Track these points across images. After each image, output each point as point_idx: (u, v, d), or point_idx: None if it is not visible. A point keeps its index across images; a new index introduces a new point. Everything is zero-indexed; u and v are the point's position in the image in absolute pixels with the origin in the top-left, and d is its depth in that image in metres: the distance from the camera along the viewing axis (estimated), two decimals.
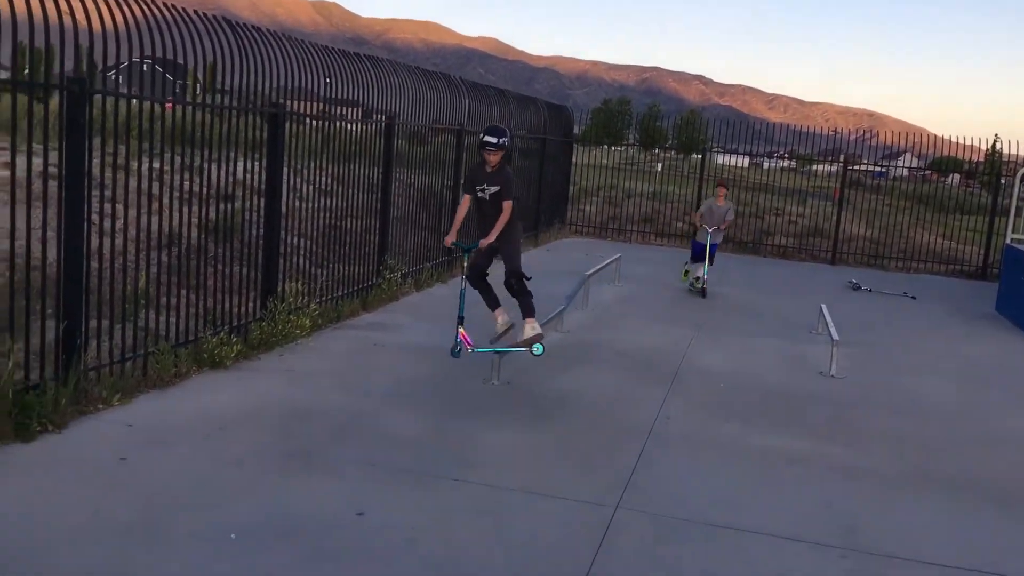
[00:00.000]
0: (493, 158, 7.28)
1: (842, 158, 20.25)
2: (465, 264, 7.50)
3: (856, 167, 20.63)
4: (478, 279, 7.56)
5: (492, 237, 7.25)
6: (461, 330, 7.24)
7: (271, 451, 5.59)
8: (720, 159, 24.52)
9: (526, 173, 16.88)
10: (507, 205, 7.33)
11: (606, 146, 30.00)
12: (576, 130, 22.10)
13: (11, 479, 4.83)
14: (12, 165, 5.51)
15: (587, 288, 10.94)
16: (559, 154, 19.46)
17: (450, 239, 7.49)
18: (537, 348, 7.43)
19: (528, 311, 7.45)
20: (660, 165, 29.88)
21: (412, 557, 4.34)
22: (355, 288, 10.07)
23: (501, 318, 7.68)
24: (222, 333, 7.44)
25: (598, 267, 12.00)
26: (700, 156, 20.44)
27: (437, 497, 5.09)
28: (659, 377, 8.06)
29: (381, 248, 10.85)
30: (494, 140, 7.27)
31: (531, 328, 7.40)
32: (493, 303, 7.73)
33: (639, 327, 10.31)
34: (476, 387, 7.23)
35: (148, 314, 6.89)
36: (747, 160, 25.19)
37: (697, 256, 13.06)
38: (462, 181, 8.06)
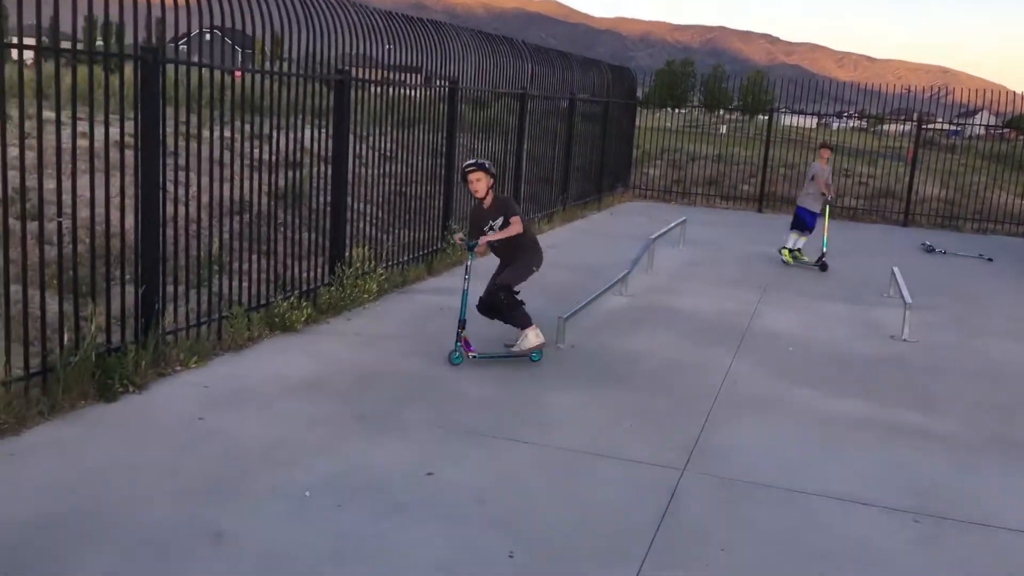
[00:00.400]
0: (479, 185, 6.78)
1: (915, 117, 19.63)
2: (469, 263, 7.11)
3: (930, 126, 19.97)
4: (487, 310, 7.03)
5: (492, 237, 6.78)
6: (463, 334, 6.80)
7: (341, 412, 5.71)
8: (787, 120, 23.96)
9: (589, 137, 16.74)
10: (515, 219, 6.75)
11: (669, 109, 29.53)
12: (639, 93, 21.80)
13: (96, 437, 5.03)
14: (91, 136, 5.67)
15: (651, 252, 10.86)
16: (622, 117, 19.24)
17: (460, 235, 7.15)
18: (535, 355, 7.00)
19: (525, 321, 6.90)
20: (724, 127, 29.34)
21: (481, 516, 4.41)
22: (420, 253, 10.16)
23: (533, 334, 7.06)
24: (292, 298, 7.59)
25: (662, 231, 11.88)
26: (767, 117, 20.00)
27: (505, 458, 5.15)
28: (726, 340, 7.99)
29: (445, 213, 10.91)
30: (472, 161, 6.87)
31: (535, 335, 6.87)
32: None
33: (705, 291, 10.21)
34: (543, 350, 7.26)
35: (221, 279, 7.06)
36: (815, 120, 24.57)
37: (808, 226, 12.41)
38: (468, 228, 7.43)
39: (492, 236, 6.82)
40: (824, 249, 12.12)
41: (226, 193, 6.98)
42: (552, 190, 15.04)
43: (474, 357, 6.81)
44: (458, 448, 5.23)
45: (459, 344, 6.79)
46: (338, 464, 4.89)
